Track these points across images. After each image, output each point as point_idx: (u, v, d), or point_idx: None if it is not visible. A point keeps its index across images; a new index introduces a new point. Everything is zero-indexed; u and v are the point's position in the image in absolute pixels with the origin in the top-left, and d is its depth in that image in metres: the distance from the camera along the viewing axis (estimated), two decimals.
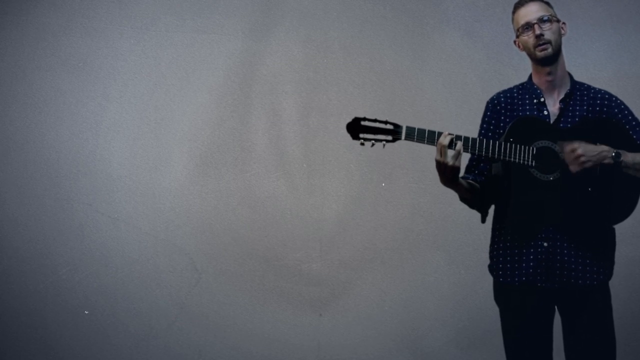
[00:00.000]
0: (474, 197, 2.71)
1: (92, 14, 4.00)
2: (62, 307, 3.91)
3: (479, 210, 2.75)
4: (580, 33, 3.79)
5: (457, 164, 2.51)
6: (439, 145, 2.50)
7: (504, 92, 2.77)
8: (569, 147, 2.56)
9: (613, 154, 2.56)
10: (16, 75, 3.96)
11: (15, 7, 3.97)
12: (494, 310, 2.77)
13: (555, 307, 2.69)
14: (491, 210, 2.78)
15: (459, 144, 2.50)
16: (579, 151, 2.55)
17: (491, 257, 2.73)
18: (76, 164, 3.95)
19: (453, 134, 2.51)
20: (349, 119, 2.53)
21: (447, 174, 2.53)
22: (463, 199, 2.74)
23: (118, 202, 3.96)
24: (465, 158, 2.63)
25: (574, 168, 2.56)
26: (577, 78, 2.76)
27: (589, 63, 3.90)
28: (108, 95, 3.99)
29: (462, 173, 2.70)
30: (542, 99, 2.68)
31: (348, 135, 2.53)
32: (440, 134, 2.51)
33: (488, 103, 2.77)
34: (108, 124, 3.98)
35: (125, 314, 3.93)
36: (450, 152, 2.50)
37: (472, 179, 2.73)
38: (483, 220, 2.76)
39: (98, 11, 4.00)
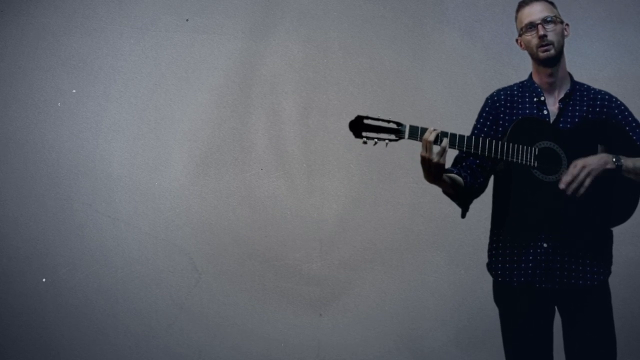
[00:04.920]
0: (456, 193, 2.68)
1: (92, 14, 4.00)
2: (62, 307, 3.91)
3: (459, 205, 2.72)
4: (580, 33, 3.79)
5: (442, 160, 2.48)
6: (424, 141, 2.47)
7: (504, 89, 2.77)
8: (571, 171, 2.54)
9: (614, 159, 2.56)
10: (16, 75, 3.96)
11: (15, 7, 3.97)
12: (494, 310, 2.77)
13: (556, 307, 2.70)
14: (488, 208, 2.78)
15: (445, 141, 2.48)
16: (581, 164, 2.53)
17: (490, 256, 2.73)
18: (76, 164, 3.95)
19: (439, 130, 2.49)
20: (349, 119, 2.52)
21: (432, 170, 2.50)
22: (446, 192, 2.71)
23: (118, 202, 3.96)
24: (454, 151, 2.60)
25: (586, 181, 2.53)
26: (577, 78, 2.76)
27: (589, 63, 3.90)
28: (108, 95, 3.99)
29: (448, 166, 2.69)
30: (542, 98, 2.68)
31: (348, 135, 2.52)
32: (443, 133, 2.50)
33: (487, 99, 2.77)
34: (108, 124, 3.98)
35: (125, 314, 3.93)
36: (436, 149, 2.48)
37: (455, 173, 2.70)
38: (463, 216, 2.73)
39: (98, 11, 4.00)
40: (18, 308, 3.90)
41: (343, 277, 3.98)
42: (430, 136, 2.46)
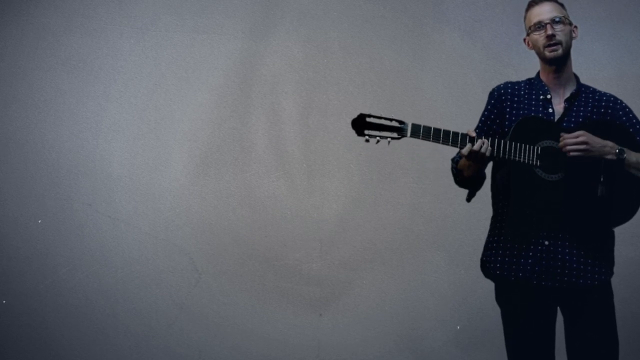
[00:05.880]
0: (475, 178, 2.71)
1: (92, 14, 4.00)
2: (62, 307, 3.91)
3: (473, 188, 2.74)
4: (581, 33, 3.79)
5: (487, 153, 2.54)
6: (472, 147, 2.53)
7: (512, 83, 2.77)
8: (573, 134, 2.56)
9: (617, 150, 2.57)
10: (16, 75, 3.96)
11: (15, 7, 3.97)
12: (494, 310, 2.77)
13: (558, 307, 2.70)
14: (488, 209, 2.78)
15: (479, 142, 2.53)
16: (583, 138, 2.55)
17: (489, 249, 2.71)
18: (76, 164, 3.95)
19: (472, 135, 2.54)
20: (349, 119, 2.52)
21: (481, 159, 2.54)
22: (459, 173, 2.72)
23: (118, 202, 3.96)
24: None
25: (574, 153, 2.55)
26: None
27: (589, 63, 3.91)
28: (108, 95, 3.99)
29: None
30: (548, 96, 2.69)
31: (348, 135, 2.53)
32: (446, 132, 2.51)
33: (493, 91, 2.77)
34: (108, 124, 3.98)
35: (125, 314, 3.93)
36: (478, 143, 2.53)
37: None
38: (468, 200, 2.76)
39: (98, 11, 4.00)
40: (18, 308, 3.90)
41: (343, 277, 3.98)
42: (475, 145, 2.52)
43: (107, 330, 3.92)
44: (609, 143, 2.58)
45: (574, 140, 2.55)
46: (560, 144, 2.56)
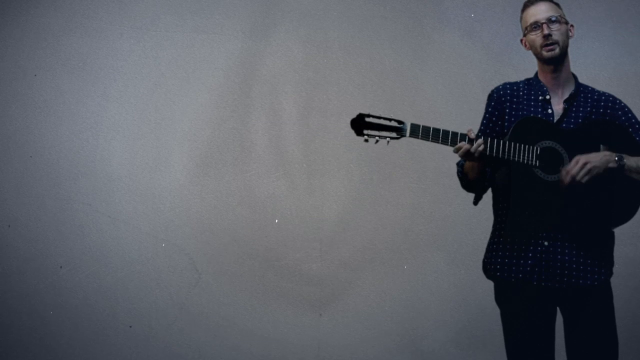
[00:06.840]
0: (480, 180, 2.71)
1: (92, 14, 4.00)
2: (62, 307, 3.91)
3: (478, 191, 2.75)
4: (581, 33, 3.80)
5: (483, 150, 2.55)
6: (469, 146, 2.53)
7: (511, 84, 2.77)
8: (571, 164, 2.56)
9: (616, 158, 2.57)
10: (16, 75, 3.96)
11: (15, 7, 3.97)
12: (494, 310, 2.77)
13: (558, 308, 2.70)
14: (488, 209, 2.78)
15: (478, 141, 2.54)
16: (582, 161, 2.55)
17: (489, 250, 2.72)
18: (76, 164, 3.95)
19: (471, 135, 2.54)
20: (349, 119, 2.53)
21: (478, 158, 2.55)
22: (464, 177, 2.72)
23: (118, 202, 3.96)
24: None
25: (585, 178, 2.54)
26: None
27: (589, 63, 3.91)
28: (108, 95, 3.99)
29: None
30: (547, 97, 2.69)
31: (348, 135, 2.53)
32: (445, 131, 2.52)
33: (493, 93, 2.77)
34: (108, 124, 3.99)
35: (125, 314, 3.93)
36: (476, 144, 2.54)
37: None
38: (475, 203, 2.76)
39: (98, 11, 4.00)
40: (18, 308, 3.90)
41: (343, 277, 3.98)
42: (473, 145, 2.53)
43: (107, 330, 3.92)
44: (606, 152, 2.58)
45: (577, 167, 2.54)
46: (567, 180, 2.55)
